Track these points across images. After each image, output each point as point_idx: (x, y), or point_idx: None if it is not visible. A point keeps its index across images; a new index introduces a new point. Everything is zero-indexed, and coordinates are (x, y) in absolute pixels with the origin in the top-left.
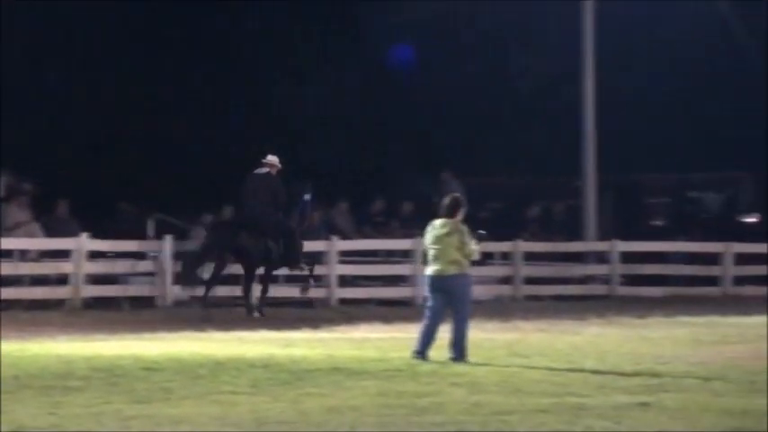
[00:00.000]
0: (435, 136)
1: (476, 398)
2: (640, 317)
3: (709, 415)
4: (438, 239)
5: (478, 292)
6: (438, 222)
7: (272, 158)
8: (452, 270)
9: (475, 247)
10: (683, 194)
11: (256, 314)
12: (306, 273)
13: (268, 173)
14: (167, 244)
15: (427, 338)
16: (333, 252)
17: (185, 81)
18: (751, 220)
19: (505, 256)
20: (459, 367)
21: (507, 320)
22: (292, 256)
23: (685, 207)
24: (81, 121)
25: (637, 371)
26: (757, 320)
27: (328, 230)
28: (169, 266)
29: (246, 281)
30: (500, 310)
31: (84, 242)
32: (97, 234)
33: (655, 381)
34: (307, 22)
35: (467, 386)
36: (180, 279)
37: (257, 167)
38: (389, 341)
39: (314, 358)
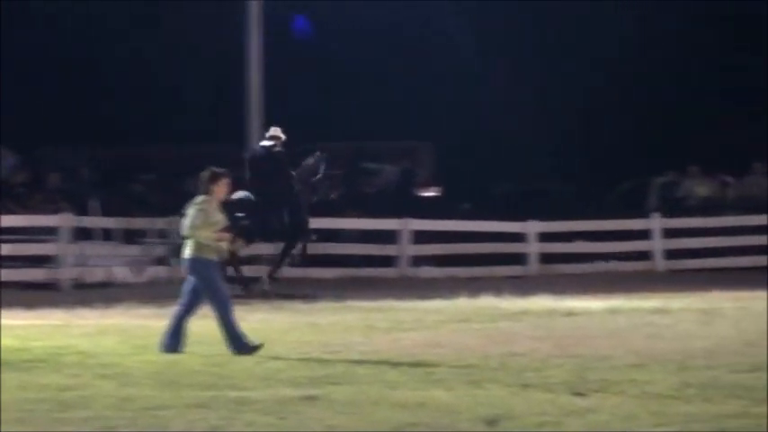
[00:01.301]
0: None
1: (126, 391)
2: (309, 301)
3: (381, 409)
4: None
5: (127, 274)
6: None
7: (275, 130)
8: (185, 252)
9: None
10: (356, 166)
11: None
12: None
13: (274, 145)
14: None
15: (170, 328)
16: None
17: None
18: (430, 194)
19: (162, 234)
20: (108, 358)
21: (163, 306)
22: (305, 228)
23: (359, 179)
24: None
25: (304, 361)
26: (435, 305)
27: None
28: None
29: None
30: (155, 293)
31: None
32: None
33: (323, 372)
34: None
35: (117, 378)
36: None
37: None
38: (31, 329)
39: None
